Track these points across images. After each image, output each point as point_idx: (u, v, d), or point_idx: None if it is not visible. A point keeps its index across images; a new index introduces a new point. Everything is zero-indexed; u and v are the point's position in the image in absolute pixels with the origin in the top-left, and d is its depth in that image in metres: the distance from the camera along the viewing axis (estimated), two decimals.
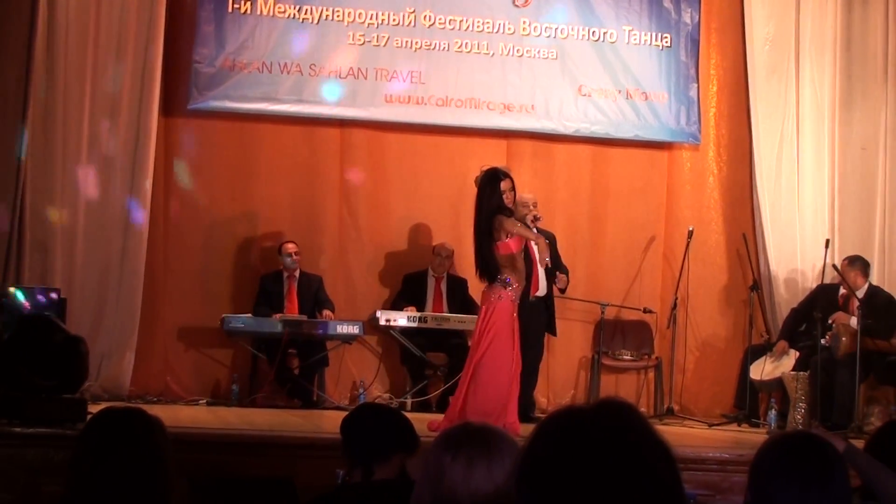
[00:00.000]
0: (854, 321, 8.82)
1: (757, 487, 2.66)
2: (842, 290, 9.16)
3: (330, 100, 9.57)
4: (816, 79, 10.17)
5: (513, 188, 7.45)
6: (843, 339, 8.77)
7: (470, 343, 7.73)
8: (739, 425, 9.18)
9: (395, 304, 9.53)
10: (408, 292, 9.57)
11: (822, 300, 9.17)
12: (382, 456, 3.53)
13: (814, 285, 9.57)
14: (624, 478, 1.62)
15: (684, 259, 9.79)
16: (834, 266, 9.25)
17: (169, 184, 9.48)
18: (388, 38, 9.64)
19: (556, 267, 8.91)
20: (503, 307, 7.32)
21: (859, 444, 3.59)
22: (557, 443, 1.66)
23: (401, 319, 9.31)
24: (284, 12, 9.50)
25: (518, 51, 9.84)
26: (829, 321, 8.93)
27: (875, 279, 9.53)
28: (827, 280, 9.34)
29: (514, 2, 9.85)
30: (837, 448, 3.11)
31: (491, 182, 7.45)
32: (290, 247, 9.35)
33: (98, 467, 2.79)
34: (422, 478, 2.43)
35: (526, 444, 1.71)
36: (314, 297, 9.39)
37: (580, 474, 1.62)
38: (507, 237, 7.36)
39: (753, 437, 8.14)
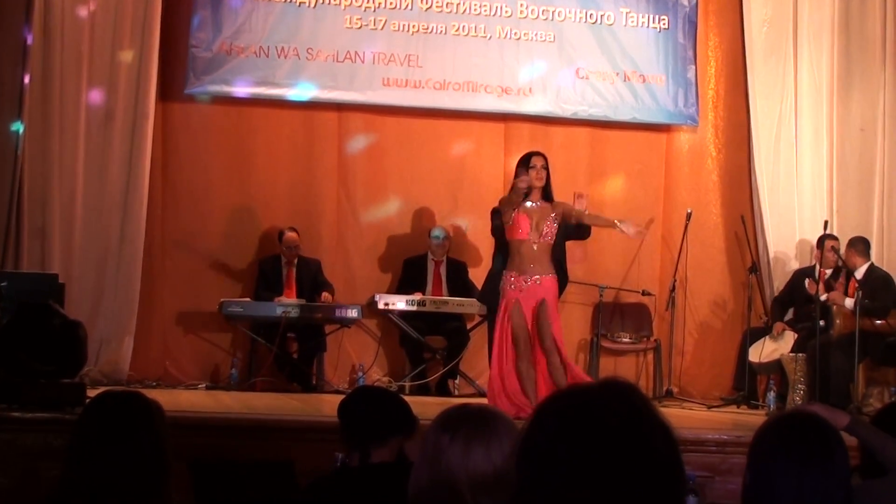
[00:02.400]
0: (849, 302, 8.82)
1: (756, 468, 2.65)
2: (819, 270, 9.10)
3: (327, 84, 9.54)
4: (814, 60, 10.14)
5: (545, 166, 7.40)
6: (837, 320, 8.76)
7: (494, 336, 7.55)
8: (738, 407, 9.19)
9: (400, 291, 9.50)
10: (408, 277, 9.56)
11: (801, 285, 9.17)
12: (380, 439, 3.53)
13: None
14: (625, 458, 1.62)
15: (683, 241, 9.78)
16: (825, 237, 9.17)
17: (167, 168, 9.47)
18: (385, 22, 9.60)
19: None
20: (510, 297, 7.29)
21: None
22: (559, 423, 1.66)
23: (399, 303, 9.30)
24: None
25: (515, 34, 9.80)
26: (824, 300, 8.90)
27: (874, 260, 9.50)
28: (823, 262, 9.31)
29: None
30: (841, 422, 3.11)
31: (519, 168, 7.42)
32: (293, 237, 9.29)
33: (96, 451, 2.78)
34: (420, 458, 2.43)
35: (527, 423, 1.71)
36: (313, 280, 9.38)
37: (581, 454, 1.62)
38: (515, 214, 7.32)
39: (752, 418, 8.15)
